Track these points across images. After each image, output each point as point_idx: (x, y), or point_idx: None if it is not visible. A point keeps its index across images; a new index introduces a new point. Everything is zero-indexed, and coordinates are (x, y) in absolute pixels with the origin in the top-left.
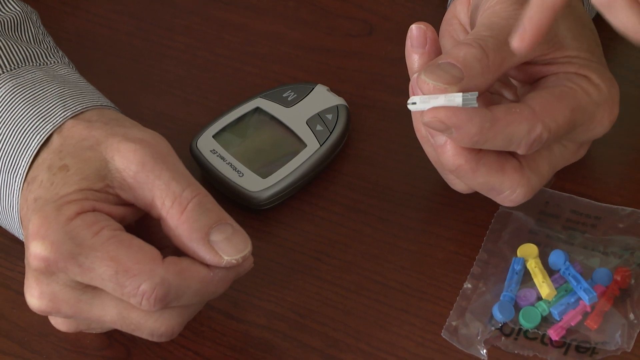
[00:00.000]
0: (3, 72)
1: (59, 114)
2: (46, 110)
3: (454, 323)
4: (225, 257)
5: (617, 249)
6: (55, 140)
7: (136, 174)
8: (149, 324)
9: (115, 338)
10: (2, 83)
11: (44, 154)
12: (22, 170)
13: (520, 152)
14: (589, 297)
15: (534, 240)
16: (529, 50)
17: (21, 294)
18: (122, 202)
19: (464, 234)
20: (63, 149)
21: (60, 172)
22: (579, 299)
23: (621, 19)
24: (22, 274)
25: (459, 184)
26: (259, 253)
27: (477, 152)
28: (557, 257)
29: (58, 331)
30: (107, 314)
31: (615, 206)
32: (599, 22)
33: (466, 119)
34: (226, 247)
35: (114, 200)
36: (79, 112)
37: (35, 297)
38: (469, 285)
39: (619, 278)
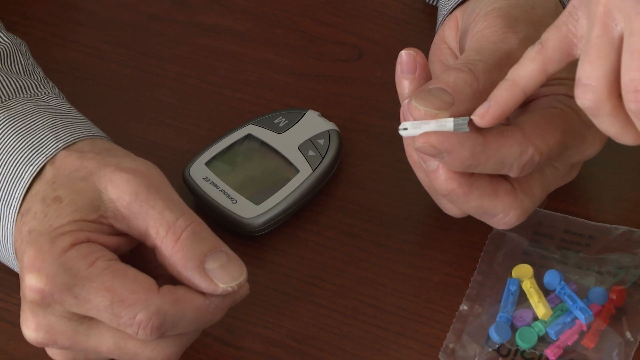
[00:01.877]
0: None
1: (51, 145)
2: (38, 141)
3: (451, 345)
4: (221, 285)
5: (612, 267)
6: (48, 171)
7: (129, 203)
8: (146, 353)
9: None
10: None
11: (37, 186)
12: (15, 203)
13: (512, 174)
14: (585, 316)
15: (528, 260)
16: (488, 126)
17: (17, 325)
18: (116, 232)
19: (458, 257)
20: (56, 180)
21: (53, 203)
22: (575, 318)
23: (605, 126)
24: (18, 305)
25: (452, 209)
26: (253, 279)
27: (470, 176)
28: (552, 277)
29: None
30: (104, 344)
31: (609, 225)
32: None
33: (458, 144)
34: (221, 275)
35: (108, 231)
36: (71, 142)
37: (31, 329)
38: (465, 307)
39: (614, 297)
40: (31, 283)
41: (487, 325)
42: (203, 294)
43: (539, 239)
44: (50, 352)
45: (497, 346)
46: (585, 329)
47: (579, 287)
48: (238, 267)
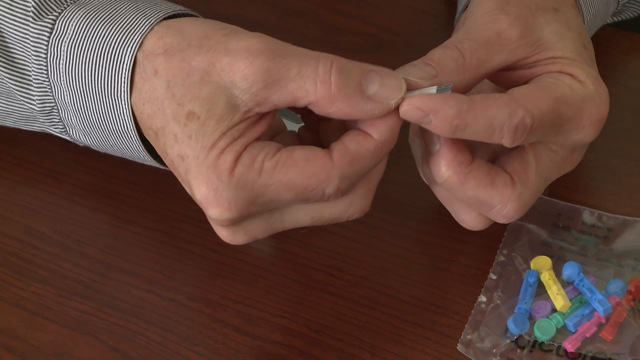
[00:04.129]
0: (69, 5)
1: (146, 21)
2: (128, 22)
3: (469, 336)
4: (391, 102)
5: (631, 260)
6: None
7: (264, 84)
8: (343, 214)
9: (130, 357)
10: (73, 13)
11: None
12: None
13: (505, 142)
14: (604, 309)
15: (547, 252)
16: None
17: (36, 314)
18: (264, 114)
19: (477, 248)
20: (175, 91)
21: (191, 122)
22: (594, 310)
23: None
24: (36, 294)
25: (468, 219)
26: (271, 269)
27: (467, 165)
28: (571, 269)
29: (73, 351)
30: (302, 221)
31: (628, 217)
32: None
33: (442, 102)
34: (385, 93)
35: (257, 119)
36: (162, 18)
37: (231, 241)
38: (484, 299)
39: (632, 289)
40: (216, 217)
41: (506, 316)
42: (372, 136)
43: (558, 231)
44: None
45: (515, 337)
46: (603, 321)
47: (598, 279)
48: (393, 78)
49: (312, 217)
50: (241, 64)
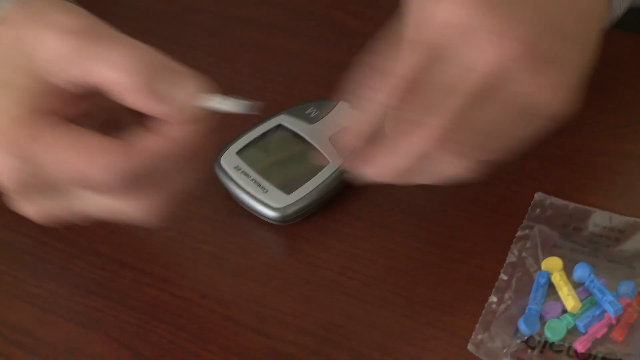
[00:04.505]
0: None
1: None
2: None
3: (479, 336)
4: (176, 104)
5: None
6: None
7: (82, 64)
8: (133, 211)
9: (142, 355)
10: None
11: None
12: None
13: None
14: (614, 310)
15: (558, 253)
16: None
17: (48, 311)
18: (72, 92)
19: (488, 249)
20: None
21: (3, 89)
22: (604, 311)
23: None
24: (49, 291)
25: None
26: (284, 269)
27: None
28: (581, 270)
29: (85, 348)
30: (89, 208)
31: (638, 219)
32: None
33: None
34: (173, 93)
35: (58, 94)
36: None
37: (30, 215)
38: (494, 299)
39: None
40: (3, 183)
41: (516, 317)
42: (162, 135)
43: (569, 233)
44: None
45: (526, 338)
46: (614, 322)
47: (609, 281)
48: (187, 79)
49: (99, 207)
50: (53, 39)
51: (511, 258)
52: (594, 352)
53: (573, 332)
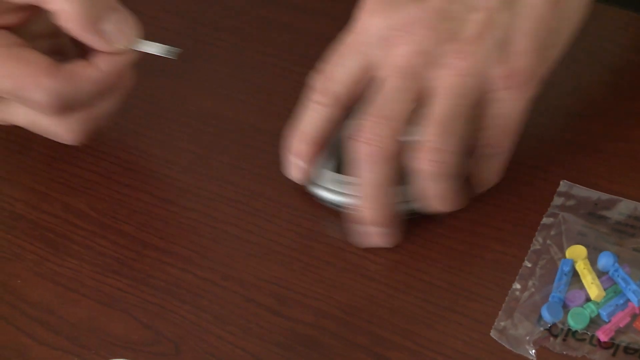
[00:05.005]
0: None
1: None
2: None
3: (502, 323)
4: (116, 45)
5: None
6: None
7: None
8: (55, 128)
9: (164, 335)
10: None
11: None
12: None
13: None
14: (638, 299)
15: (582, 242)
16: None
17: (71, 289)
18: (13, 8)
19: (512, 235)
20: None
21: None
22: (628, 300)
23: None
24: (72, 269)
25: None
26: (306, 251)
27: None
28: (606, 259)
29: (107, 327)
30: (20, 119)
31: None
32: None
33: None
34: (116, 35)
35: (4, 7)
36: None
37: None
38: (518, 286)
39: None
40: None
41: (540, 304)
42: (96, 66)
43: (594, 221)
44: None
45: (549, 326)
46: (637, 311)
47: (633, 270)
48: (130, 26)
49: (28, 118)
50: None
51: (535, 245)
52: (617, 341)
53: (596, 320)
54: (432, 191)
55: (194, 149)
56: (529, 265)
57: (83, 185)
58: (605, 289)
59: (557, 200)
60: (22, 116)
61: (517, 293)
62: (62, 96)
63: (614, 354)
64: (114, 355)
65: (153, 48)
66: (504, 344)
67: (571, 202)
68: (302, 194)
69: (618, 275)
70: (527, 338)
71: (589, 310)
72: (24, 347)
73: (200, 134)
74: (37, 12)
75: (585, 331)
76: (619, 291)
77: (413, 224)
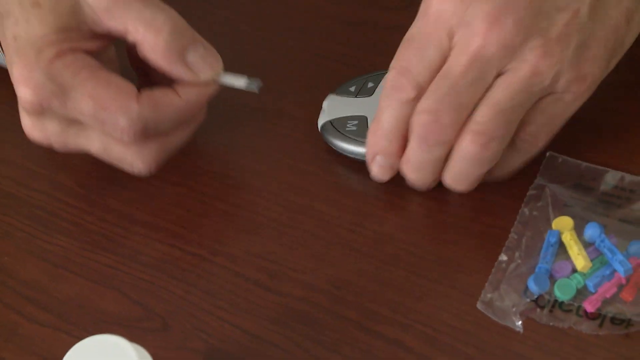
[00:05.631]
0: None
1: None
2: None
3: (489, 295)
4: (201, 75)
5: None
6: None
7: (117, 13)
8: (130, 156)
9: (153, 310)
10: None
11: None
12: None
13: None
14: (625, 269)
15: (569, 213)
16: None
17: (60, 267)
18: (96, 35)
19: (499, 207)
20: None
21: (33, 8)
22: (614, 271)
23: None
24: (61, 247)
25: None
26: (294, 225)
27: None
28: (592, 230)
29: (96, 304)
30: (93, 146)
31: None
32: None
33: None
34: (202, 66)
35: (89, 35)
36: None
37: (28, 129)
38: (504, 258)
39: None
40: (22, 95)
41: (526, 276)
42: (179, 95)
43: (581, 192)
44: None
45: (536, 297)
46: (624, 282)
47: (619, 241)
48: (216, 58)
49: (103, 145)
50: None
51: (522, 217)
52: (603, 312)
53: (583, 291)
54: (461, 170)
55: None
56: (516, 236)
57: (71, 162)
58: (591, 260)
59: (544, 172)
60: (97, 142)
61: (504, 265)
62: (145, 122)
63: (600, 325)
64: (103, 332)
65: (236, 80)
66: (490, 316)
67: (558, 173)
68: (290, 168)
69: (604, 246)
70: (514, 309)
71: (576, 281)
72: (14, 324)
73: None
74: (115, 39)
75: (571, 302)
76: (606, 262)
77: (399, 196)
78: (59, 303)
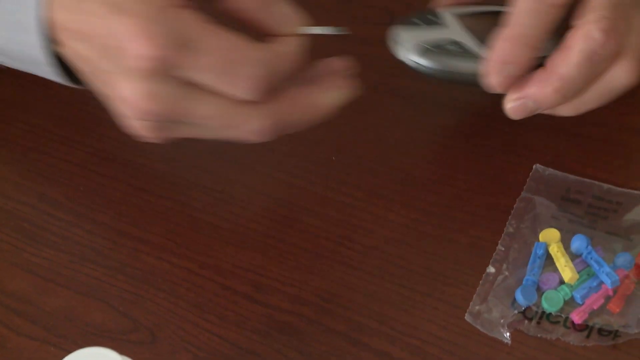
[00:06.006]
0: None
1: None
2: None
3: (477, 307)
4: (291, 26)
5: (639, 234)
6: None
7: None
8: (248, 119)
9: (141, 323)
10: None
11: None
12: None
13: None
14: (611, 281)
15: (556, 225)
16: None
17: (48, 280)
18: None
19: (486, 219)
20: None
21: None
22: (601, 282)
23: None
24: (48, 260)
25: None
26: (282, 238)
27: None
28: (579, 242)
29: (84, 316)
30: (208, 109)
31: (637, 192)
32: None
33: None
34: (291, 13)
35: None
36: None
37: (137, 96)
38: (492, 270)
39: None
40: (141, 51)
41: (514, 287)
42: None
43: (567, 204)
44: (139, 124)
45: (523, 309)
46: (611, 293)
47: (606, 253)
48: (297, 10)
49: (219, 111)
50: None
51: (509, 229)
52: (590, 324)
53: (570, 303)
54: (601, 98)
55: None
56: (503, 248)
57: (58, 175)
58: (578, 272)
59: (531, 184)
60: (213, 106)
61: (492, 277)
62: (270, 71)
63: (588, 336)
64: (92, 344)
65: (322, 29)
66: (478, 327)
67: (545, 186)
68: (277, 181)
69: (591, 258)
70: (502, 321)
71: (563, 292)
72: (2, 337)
73: None
74: None
75: (559, 314)
76: (592, 274)
77: (386, 209)
78: (48, 316)
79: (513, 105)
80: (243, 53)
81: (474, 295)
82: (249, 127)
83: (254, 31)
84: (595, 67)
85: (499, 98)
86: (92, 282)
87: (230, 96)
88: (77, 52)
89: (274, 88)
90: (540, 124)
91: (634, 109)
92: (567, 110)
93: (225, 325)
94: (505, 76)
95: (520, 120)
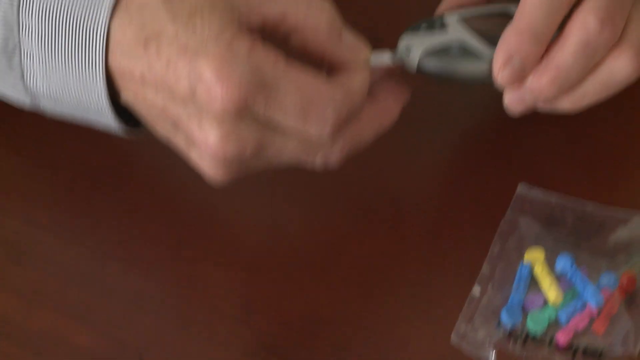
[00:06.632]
0: None
1: None
2: None
3: (462, 328)
4: (360, 55)
5: (624, 253)
6: None
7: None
8: (324, 152)
9: (128, 345)
10: None
11: None
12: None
13: None
14: (596, 301)
15: (541, 244)
16: None
17: (34, 302)
18: (250, 29)
19: (471, 239)
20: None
21: (194, 17)
22: (586, 303)
23: None
24: (34, 281)
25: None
26: (270, 259)
27: None
28: (564, 262)
29: (72, 339)
30: (288, 146)
31: (622, 211)
32: None
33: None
34: (357, 45)
35: (246, 29)
36: None
37: (220, 141)
38: (477, 290)
39: (625, 282)
40: (223, 95)
41: (499, 308)
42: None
43: (552, 224)
44: (218, 166)
45: (509, 329)
46: (595, 313)
47: (591, 272)
48: (361, 39)
49: (297, 150)
50: None
51: (494, 249)
52: (575, 344)
53: (555, 323)
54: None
55: (157, 158)
56: (488, 269)
57: (44, 197)
58: (563, 292)
59: (515, 204)
60: (292, 143)
61: (477, 298)
62: (344, 111)
63: (573, 357)
64: None
65: (382, 57)
66: (464, 348)
67: (529, 205)
68: (265, 204)
69: (576, 278)
70: (487, 342)
71: (548, 313)
72: None
73: (161, 146)
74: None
75: (544, 334)
76: (578, 294)
77: (371, 232)
78: (34, 338)
79: (511, 98)
80: (320, 93)
81: (460, 316)
82: (324, 159)
83: (319, 62)
84: (591, 56)
85: (484, 117)
86: (79, 305)
87: (303, 133)
88: (143, 96)
89: (346, 123)
90: (525, 142)
91: (619, 127)
92: (566, 104)
93: (213, 346)
94: (515, 70)
95: (506, 139)
